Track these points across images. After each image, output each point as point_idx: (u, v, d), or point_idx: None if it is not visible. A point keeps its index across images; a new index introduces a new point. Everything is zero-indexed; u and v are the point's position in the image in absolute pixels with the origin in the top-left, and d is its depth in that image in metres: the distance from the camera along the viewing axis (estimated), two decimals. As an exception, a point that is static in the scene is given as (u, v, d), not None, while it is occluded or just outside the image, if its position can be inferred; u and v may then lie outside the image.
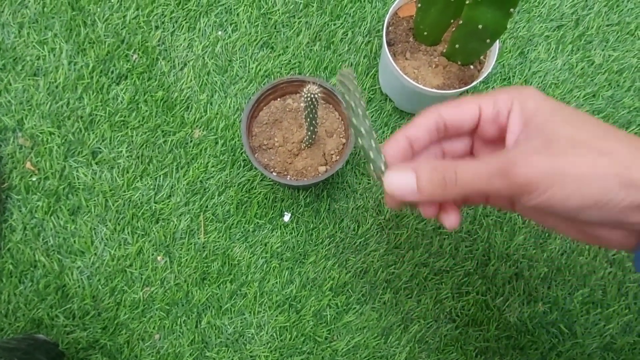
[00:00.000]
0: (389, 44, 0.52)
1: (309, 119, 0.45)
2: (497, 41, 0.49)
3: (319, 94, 0.41)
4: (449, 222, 0.29)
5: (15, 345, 0.48)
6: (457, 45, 0.48)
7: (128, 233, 0.55)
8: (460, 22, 0.44)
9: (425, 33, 0.50)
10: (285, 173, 0.51)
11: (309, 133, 0.48)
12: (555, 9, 0.63)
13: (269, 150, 0.52)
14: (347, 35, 0.61)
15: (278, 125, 0.53)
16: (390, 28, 0.53)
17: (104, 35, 0.58)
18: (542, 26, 0.63)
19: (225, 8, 0.60)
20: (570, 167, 0.24)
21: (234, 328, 0.54)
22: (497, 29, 0.43)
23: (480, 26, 0.42)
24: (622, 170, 0.24)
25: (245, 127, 0.50)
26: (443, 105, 0.30)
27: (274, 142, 0.52)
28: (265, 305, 0.55)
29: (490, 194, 0.26)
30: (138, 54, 0.58)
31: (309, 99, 0.41)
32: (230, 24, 0.60)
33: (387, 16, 0.51)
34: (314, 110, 0.44)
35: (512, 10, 0.40)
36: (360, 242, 0.57)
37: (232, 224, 0.56)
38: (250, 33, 0.60)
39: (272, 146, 0.52)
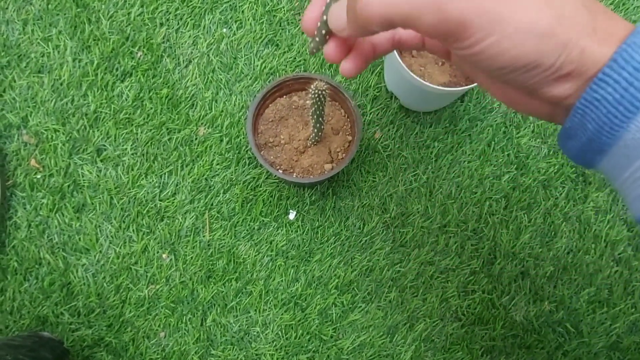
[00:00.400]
0: (395, 41, 0.52)
1: (315, 116, 0.45)
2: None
3: (327, 90, 0.41)
4: (345, 66, 0.27)
5: (21, 342, 0.48)
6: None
7: (133, 231, 0.55)
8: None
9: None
10: (292, 171, 0.51)
11: (315, 130, 0.48)
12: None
13: (275, 148, 0.52)
14: (352, 32, 0.60)
15: (284, 123, 0.52)
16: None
17: (109, 32, 0.58)
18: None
19: (230, 5, 0.60)
20: (513, 14, 0.20)
21: (239, 326, 0.54)
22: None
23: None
24: (566, 29, 0.20)
25: (251, 125, 0.50)
26: None
27: (280, 140, 0.52)
28: (270, 303, 0.55)
29: (420, 30, 0.22)
30: (143, 51, 0.58)
31: (316, 95, 0.41)
32: (235, 21, 0.59)
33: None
34: (321, 107, 0.43)
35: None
36: (365, 241, 0.56)
37: (237, 222, 0.56)
38: (255, 30, 0.59)
39: (278, 144, 0.52)
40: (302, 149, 0.51)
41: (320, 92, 0.41)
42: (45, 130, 0.56)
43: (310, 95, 0.42)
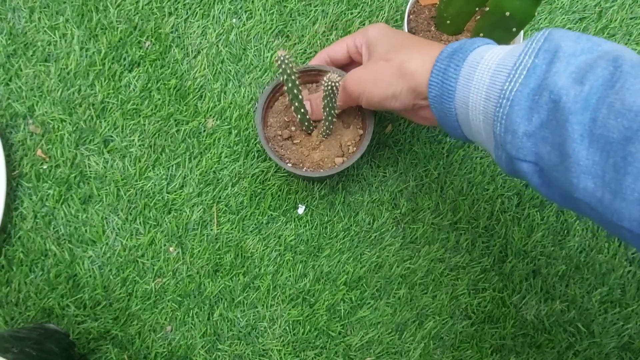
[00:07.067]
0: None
1: (327, 109, 0.44)
2: (521, 31, 0.47)
3: (339, 83, 0.40)
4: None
5: (26, 334, 0.47)
6: (481, 34, 0.46)
7: (140, 223, 0.54)
8: (487, 9, 0.43)
9: (448, 22, 0.48)
10: (301, 164, 0.50)
11: (327, 123, 0.47)
12: (578, 1, 0.61)
13: (285, 141, 0.51)
14: (364, 24, 0.59)
15: (294, 116, 0.51)
16: (411, 16, 0.51)
17: (116, 21, 0.57)
18: (564, 18, 0.61)
19: (240, -5, 0.58)
20: (367, 74, 0.39)
21: (246, 321, 0.53)
22: (525, 17, 0.41)
23: (507, 14, 0.41)
24: (396, 68, 0.36)
25: (260, 118, 0.49)
26: (329, 46, 0.48)
27: (290, 133, 0.51)
28: (278, 298, 0.54)
29: (349, 103, 0.44)
30: (151, 41, 0.57)
31: (329, 87, 0.40)
32: (245, 12, 0.58)
33: (409, 4, 0.50)
34: (333, 100, 0.42)
35: (542, -2, 0.39)
36: (375, 236, 0.56)
37: (246, 216, 0.55)
38: (265, 21, 0.58)
39: (288, 137, 0.51)
40: (313, 142, 0.50)
41: (333, 85, 0.40)
42: (52, 120, 0.55)
43: (322, 88, 0.41)
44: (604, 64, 0.26)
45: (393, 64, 0.37)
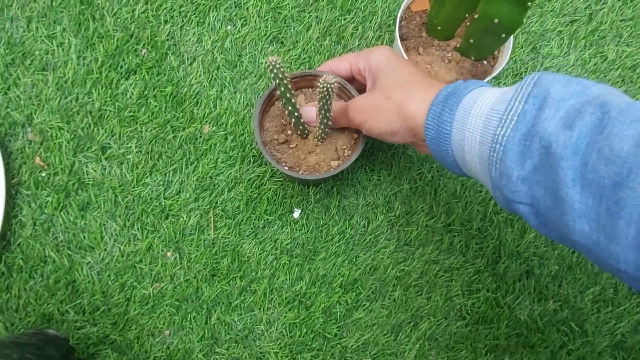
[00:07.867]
0: (401, 39, 0.51)
1: (323, 111, 0.45)
2: (511, 36, 0.48)
3: (335, 84, 0.40)
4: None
5: (26, 340, 0.48)
6: (471, 40, 0.47)
7: (138, 229, 0.55)
8: (476, 16, 0.44)
9: (439, 28, 0.49)
10: (298, 168, 0.51)
11: (322, 126, 0.48)
12: (568, 4, 0.62)
13: (282, 145, 0.52)
14: (357, 30, 0.60)
15: (290, 120, 0.52)
16: (402, 23, 0.52)
17: (113, 30, 0.57)
18: (554, 21, 0.62)
19: (234, 2, 0.59)
20: (369, 106, 0.41)
21: (243, 324, 0.54)
22: (513, 24, 0.42)
23: (495, 21, 0.42)
24: (396, 107, 0.38)
25: (257, 122, 0.50)
26: (333, 59, 0.47)
27: (286, 137, 0.52)
28: (274, 301, 0.55)
29: (350, 125, 0.45)
30: (147, 49, 0.58)
31: (325, 89, 0.41)
32: (240, 19, 0.59)
33: (400, 10, 0.50)
34: (328, 102, 0.43)
35: (529, 4, 0.40)
36: (370, 239, 0.56)
37: (242, 220, 0.56)
38: (259, 27, 0.59)
39: (284, 141, 0.51)
40: (309, 146, 0.51)
41: (329, 86, 0.40)
42: (50, 128, 0.55)
43: (318, 90, 0.41)
44: (591, 109, 0.26)
45: (393, 102, 0.38)
